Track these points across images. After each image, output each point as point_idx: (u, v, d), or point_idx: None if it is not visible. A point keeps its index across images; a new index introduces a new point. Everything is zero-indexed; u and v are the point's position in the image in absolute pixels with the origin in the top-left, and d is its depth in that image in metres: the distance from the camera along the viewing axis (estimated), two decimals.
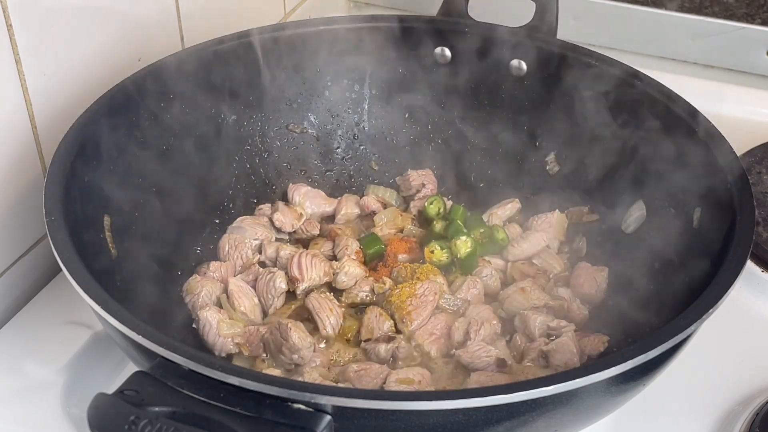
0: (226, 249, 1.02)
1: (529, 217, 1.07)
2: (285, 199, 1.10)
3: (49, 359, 0.89)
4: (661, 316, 0.84)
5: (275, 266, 1.00)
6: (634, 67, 1.02)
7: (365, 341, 0.92)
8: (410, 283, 0.95)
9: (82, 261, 0.75)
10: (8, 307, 0.96)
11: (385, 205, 1.10)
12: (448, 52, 1.10)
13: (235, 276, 0.98)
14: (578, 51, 1.05)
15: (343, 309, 0.95)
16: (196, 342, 0.91)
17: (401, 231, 1.07)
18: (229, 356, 0.90)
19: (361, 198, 1.11)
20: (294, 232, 1.07)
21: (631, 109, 0.99)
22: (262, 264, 1.01)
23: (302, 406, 0.64)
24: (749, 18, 1.37)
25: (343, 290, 0.98)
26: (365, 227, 1.08)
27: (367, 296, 0.98)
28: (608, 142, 1.01)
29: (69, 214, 0.80)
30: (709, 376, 0.91)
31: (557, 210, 1.05)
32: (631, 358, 0.67)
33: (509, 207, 1.08)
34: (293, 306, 0.96)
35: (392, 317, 0.93)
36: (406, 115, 1.14)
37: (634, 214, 0.99)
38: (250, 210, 1.08)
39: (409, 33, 1.09)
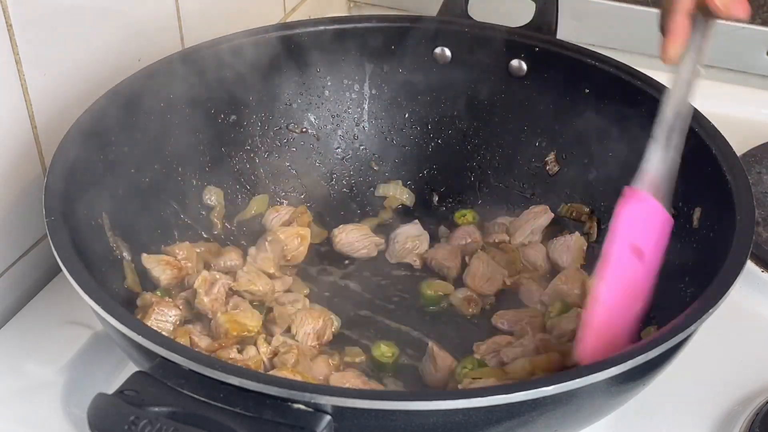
0: None
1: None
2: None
3: (49, 359, 0.89)
4: (661, 316, 0.84)
5: None
6: (634, 67, 1.02)
7: None
8: None
9: (82, 261, 0.75)
10: (8, 307, 0.96)
11: None
12: (448, 52, 1.10)
13: None
14: (578, 51, 1.05)
15: None
16: None
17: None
18: None
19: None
20: None
21: (630, 108, 0.99)
22: None
23: (302, 406, 0.64)
24: (749, 18, 1.37)
25: None
26: None
27: None
28: (608, 141, 1.01)
29: (69, 214, 0.80)
30: (709, 376, 0.91)
31: (576, 233, 1.02)
32: (631, 358, 0.67)
33: (543, 218, 1.04)
34: None
35: None
36: (406, 115, 1.14)
37: None
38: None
39: (409, 33, 1.09)
